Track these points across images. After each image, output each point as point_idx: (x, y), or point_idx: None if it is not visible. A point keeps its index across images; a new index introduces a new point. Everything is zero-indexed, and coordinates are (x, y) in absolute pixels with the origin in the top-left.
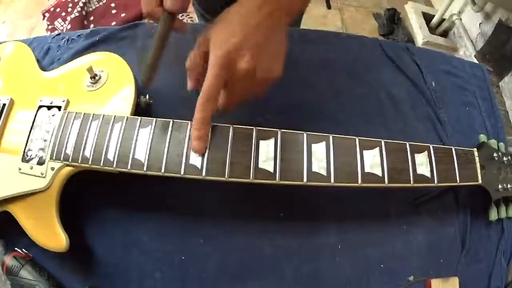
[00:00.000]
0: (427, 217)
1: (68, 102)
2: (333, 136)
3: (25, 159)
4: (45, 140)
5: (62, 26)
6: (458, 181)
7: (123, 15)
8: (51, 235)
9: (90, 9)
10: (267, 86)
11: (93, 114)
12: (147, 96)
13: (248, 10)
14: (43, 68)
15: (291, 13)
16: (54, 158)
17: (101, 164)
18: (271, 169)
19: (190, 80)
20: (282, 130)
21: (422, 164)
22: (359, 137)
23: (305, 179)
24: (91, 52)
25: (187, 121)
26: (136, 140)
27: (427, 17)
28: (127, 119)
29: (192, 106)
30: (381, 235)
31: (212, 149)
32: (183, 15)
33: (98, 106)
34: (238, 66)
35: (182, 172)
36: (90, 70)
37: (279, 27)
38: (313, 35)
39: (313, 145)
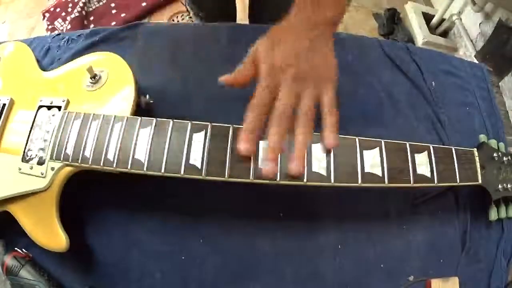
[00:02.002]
0: (427, 217)
1: (68, 102)
2: None
3: (25, 159)
4: (45, 140)
5: (62, 26)
6: (458, 181)
7: (123, 15)
8: (51, 235)
9: (90, 9)
10: (327, 91)
11: (93, 114)
12: (147, 96)
13: (296, 23)
14: (43, 68)
15: (333, 28)
16: (54, 158)
17: (101, 164)
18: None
19: (231, 76)
20: None
21: (422, 164)
22: (359, 137)
23: (305, 179)
24: (91, 52)
25: (187, 121)
26: (136, 140)
27: (427, 17)
28: (127, 119)
29: (192, 106)
30: (381, 235)
31: (212, 149)
32: (183, 15)
33: (98, 106)
34: (285, 75)
35: (182, 172)
36: (90, 70)
37: (322, 40)
38: None
39: (313, 145)
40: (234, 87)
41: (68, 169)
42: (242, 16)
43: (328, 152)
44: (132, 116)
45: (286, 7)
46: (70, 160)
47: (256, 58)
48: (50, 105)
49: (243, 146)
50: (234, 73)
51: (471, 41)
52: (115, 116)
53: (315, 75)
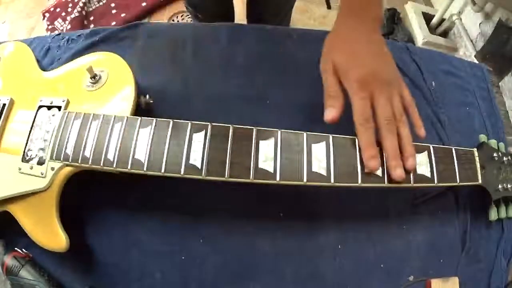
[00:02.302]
0: (427, 217)
1: (68, 102)
2: (333, 136)
3: (25, 159)
4: (45, 140)
5: (62, 26)
6: (458, 181)
7: (123, 15)
8: (51, 235)
9: (90, 9)
10: (407, 90)
11: (93, 114)
12: (147, 96)
13: (354, 25)
14: (43, 68)
15: (380, 26)
16: (54, 158)
17: (101, 164)
18: (271, 169)
19: (333, 108)
20: (282, 130)
21: (422, 164)
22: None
23: (305, 179)
24: (91, 52)
25: (187, 121)
26: (136, 140)
27: (427, 17)
28: (127, 119)
29: (192, 106)
30: (381, 235)
31: (212, 149)
32: (183, 15)
33: (98, 106)
34: (375, 83)
35: (182, 172)
36: (90, 70)
37: (381, 40)
38: (313, 35)
39: (313, 145)
40: (338, 119)
41: (68, 169)
42: (241, 17)
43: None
44: (132, 116)
45: (284, 6)
46: (70, 160)
47: (338, 74)
48: (50, 105)
49: (372, 164)
50: (332, 105)
51: (471, 41)
52: (115, 116)
53: (393, 75)
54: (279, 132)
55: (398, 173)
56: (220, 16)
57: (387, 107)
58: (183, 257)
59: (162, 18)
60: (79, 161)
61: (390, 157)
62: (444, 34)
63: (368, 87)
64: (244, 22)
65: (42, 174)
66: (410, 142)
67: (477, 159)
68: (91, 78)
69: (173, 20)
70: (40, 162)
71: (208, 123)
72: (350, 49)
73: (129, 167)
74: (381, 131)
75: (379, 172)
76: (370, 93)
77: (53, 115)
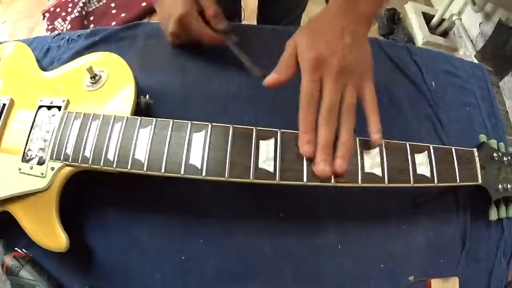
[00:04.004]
0: (427, 217)
1: (68, 102)
2: None
3: (25, 159)
4: (45, 140)
5: (62, 26)
6: (458, 181)
7: (123, 15)
8: (51, 235)
9: (90, 9)
10: (369, 83)
11: (93, 114)
12: (147, 96)
13: (333, 16)
14: (43, 68)
15: (368, 23)
16: (54, 158)
17: (101, 164)
18: (271, 169)
19: (276, 74)
20: (282, 130)
21: (422, 164)
22: (359, 137)
23: (305, 179)
24: (91, 52)
25: (187, 121)
26: (136, 140)
27: (427, 17)
28: (127, 119)
29: (192, 106)
30: (381, 235)
31: (212, 149)
32: None
33: (98, 106)
34: (329, 67)
35: (182, 172)
36: (90, 70)
37: (361, 33)
38: None
39: None
40: (278, 85)
41: (68, 169)
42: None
43: (374, 148)
44: (132, 116)
45: (296, 9)
46: (70, 160)
47: (297, 50)
48: (50, 105)
49: (305, 148)
50: (276, 72)
51: (471, 41)
52: (115, 116)
53: (358, 67)
54: (279, 132)
55: (319, 168)
56: (228, 17)
57: (332, 96)
58: (183, 257)
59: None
60: (79, 161)
61: (317, 149)
62: (444, 34)
63: (319, 70)
64: (249, 22)
65: (42, 174)
66: (347, 143)
67: (477, 159)
68: (91, 78)
69: None
70: (40, 162)
71: (208, 123)
72: (316, 30)
73: (129, 167)
74: (318, 119)
75: (378, 172)
76: (321, 77)
77: (53, 115)
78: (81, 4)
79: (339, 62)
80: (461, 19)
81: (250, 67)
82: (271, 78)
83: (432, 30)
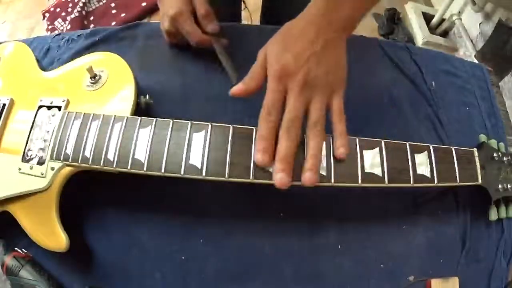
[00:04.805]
0: (427, 217)
1: (68, 102)
2: (331, 136)
3: (25, 159)
4: (45, 140)
5: (62, 26)
6: (458, 181)
7: (123, 15)
8: (51, 235)
9: (90, 9)
10: (336, 96)
11: (93, 114)
12: (147, 96)
13: (308, 23)
14: (43, 68)
15: (350, 28)
16: (54, 158)
17: (101, 164)
18: (271, 169)
19: (243, 84)
20: None
21: (422, 164)
22: (359, 137)
23: None
24: (91, 52)
25: (187, 121)
26: (136, 140)
27: (427, 17)
28: (127, 119)
29: (191, 106)
30: (381, 235)
31: (212, 149)
32: None
33: (98, 106)
34: (294, 80)
35: (182, 172)
36: (90, 70)
37: (336, 41)
38: None
39: None
40: (246, 96)
41: (68, 169)
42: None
43: (339, 160)
44: (132, 116)
45: (301, 6)
46: (70, 160)
47: (266, 60)
48: (50, 105)
49: (259, 156)
50: (244, 81)
51: (471, 41)
52: (115, 116)
53: (326, 80)
54: None
55: (277, 177)
56: (228, 17)
57: (295, 108)
58: (183, 257)
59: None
60: (79, 161)
61: (276, 158)
62: (444, 34)
63: (284, 81)
64: (249, 22)
65: (42, 174)
66: (315, 156)
67: (477, 159)
68: (91, 78)
69: None
70: (40, 162)
71: (208, 123)
72: (286, 38)
73: (129, 167)
74: (279, 131)
75: (378, 172)
76: (285, 88)
77: (53, 115)
78: (81, 4)
79: (304, 75)
80: (461, 19)
81: (230, 73)
82: (237, 88)
83: (432, 30)
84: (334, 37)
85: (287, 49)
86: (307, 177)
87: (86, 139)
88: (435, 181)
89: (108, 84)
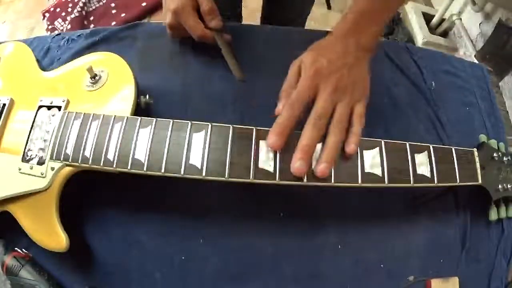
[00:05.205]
0: (427, 217)
1: (68, 102)
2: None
3: (25, 159)
4: (45, 140)
5: (62, 26)
6: (458, 181)
7: (123, 15)
8: (51, 235)
9: (90, 9)
10: (360, 104)
11: (93, 114)
12: (147, 96)
13: (337, 40)
14: (43, 68)
15: (369, 52)
16: (54, 158)
17: (101, 164)
18: (271, 169)
19: (282, 101)
20: None
21: (422, 164)
22: (359, 137)
23: (305, 179)
24: (91, 52)
25: (187, 121)
26: (136, 140)
27: (427, 17)
28: (127, 119)
29: (191, 106)
30: (381, 235)
31: (212, 149)
32: None
33: (98, 106)
34: (327, 82)
35: (182, 172)
36: (90, 70)
37: (362, 59)
38: (313, 35)
39: None
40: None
41: (68, 169)
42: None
43: (348, 156)
44: (132, 116)
45: (301, 13)
46: (70, 160)
47: (300, 68)
48: (50, 105)
49: (272, 138)
50: (280, 102)
51: (471, 41)
52: (115, 116)
53: (353, 89)
54: None
55: (296, 164)
56: (230, 16)
57: (325, 104)
58: (183, 257)
59: (162, 18)
60: (79, 161)
61: (298, 147)
62: (444, 34)
63: (317, 79)
64: (250, 22)
65: (42, 174)
66: (332, 153)
67: (477, 159)
68: (91, 78)
69: None
70: (40, 162)
71: (208, 123)
72: (320, 49)
73: (129, 167)
74: (306, 123)
75: (378, 172)
76: (317, 87)
77: (53, 115)
78: (81, 4)
79: (337, 80)
80: (461, 19)
81: (233, 69)
82: (277, 110)
83: (432, 30)
84: (360, 55)
85: (322, 56)
86: (322, 168)
87: (86, 139)
88: (435, 181)
89: (108, 84)
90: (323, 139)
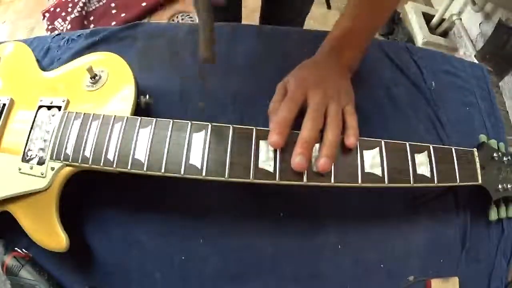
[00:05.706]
0: (427, 217)
1: (68, 102)
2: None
3: (25, 159)
4: (45, 140)
5: (62, 26)
6: (458, 181)
7: (123, 15)
8: (51, 235)
9: (90, 9)
10: (349, 105)
11: (93, 114)
12: (147, 96)
13: (320, 61)
14: (43, 68)
15: (351, 67)
16: (54, 158)
17: (101, 164)
18: (271, 169)
19: (271, 119)
20: None
21: (422, 164)
22: (359, 137)
23: (305, 179)
24: (91, 52)
25: (187, 121)
26: (136, 140)
27: (427, 17)
28: (127, 119)
29: (191, 106)
30: (381, 235)
31: (212, 149)
32: (183, 15)
33: (98, 106)
34: (314, 91)
35: (182, 172)
36: (90, 70)
37: (345, 75)
38: (313, 35)
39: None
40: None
41: (68, 169)
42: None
43: (349, 150)
44: (132, 116)
45: (300, 13)
46: (70, 160)
47: (287, 85)
48: (50, 105)
49: (274, 137)
50: (272, 113)
51: (471, 41)
52: (115, 116)
53: (339, 96)
54: None
55: (296, 159)
56: (228, 17)
57: (319, 102)
58: (183, 257)
59: (162, 18)
60: (79, 161)
61: (298, 142)
62: (444, 34)
63: (304, 88)
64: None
65: (42, 174)
66: (331, 148)
67: (477, 159)
68: (91, 78)
69: (173, 20)
70: (40, 162)
71: (208, 123)
72: (303, 68)
73: (129, 167)
74: (304, 120)
75: (378, 172)
76: (306, 93)
77: (53, 115)
78: (81, 4)
79: (324, 88)
80: (461, 19)
81: (202, 44)
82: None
83: (432, 30)
84: (342, 72)
85: (308, 73)
86: (323, 162)
87: (86, 139)
88: (435, 181)
89: (108, 84)
90: (322, 139)
